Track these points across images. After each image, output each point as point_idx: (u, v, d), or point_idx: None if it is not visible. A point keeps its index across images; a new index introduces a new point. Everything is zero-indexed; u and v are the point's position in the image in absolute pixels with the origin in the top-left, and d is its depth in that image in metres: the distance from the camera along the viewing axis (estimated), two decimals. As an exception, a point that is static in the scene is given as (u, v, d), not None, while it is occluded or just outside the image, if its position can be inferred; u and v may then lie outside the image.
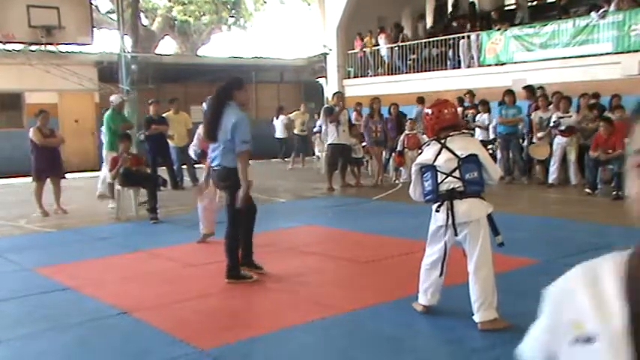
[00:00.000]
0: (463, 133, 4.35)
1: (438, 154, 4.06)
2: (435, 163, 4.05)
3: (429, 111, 4.31)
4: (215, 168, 5.25)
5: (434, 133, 4.21)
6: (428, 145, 4.25)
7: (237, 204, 5.09)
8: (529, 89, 11.82)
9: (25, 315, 4.68)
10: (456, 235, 4.02)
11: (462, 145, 4.08)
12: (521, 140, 11.65)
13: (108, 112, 9.99)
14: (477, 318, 3.98)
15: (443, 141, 4.09)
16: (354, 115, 13.48)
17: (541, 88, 12.07)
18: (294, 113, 16.96)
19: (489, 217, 4.05)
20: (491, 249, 4.07)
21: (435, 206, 4.10)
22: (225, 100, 5.14)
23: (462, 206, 3.99)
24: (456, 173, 4.01)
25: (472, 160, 4.03)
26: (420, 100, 14.40)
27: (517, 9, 15.61)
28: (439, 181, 4.04)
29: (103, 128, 10.15)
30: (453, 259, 5.89)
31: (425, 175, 4.13)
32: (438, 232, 4.18)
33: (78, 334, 4.22)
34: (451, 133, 4.13)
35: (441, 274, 4.20)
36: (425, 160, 4.15)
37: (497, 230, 4.05)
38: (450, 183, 4.02)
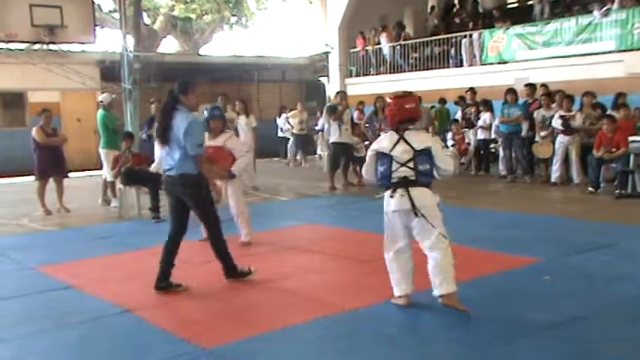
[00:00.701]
0: (420, 129, 4.62)
1: (396, 144, 4.34)
2: (392, 153, 4.33)
3: (391, 102, 4.53)
4: (174, 176, 4.96)
5: (394, 125, 4.44)
6: (386, 133, 4.51)
7: (215, 201, 5.13)
8: (530, 87, 11.78)
9: (27, 313, 4.69)
10: (416, 215, 4.25)
11: (419, 139, 4.36)
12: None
13: (101, 112, 9.97)
14: (437, 292, 4.28)
15: (401, 133, 4.36)
16: (356, 114, 13.49)
17: (544, 85, 12.04)
18: (292, 112, 16.98)
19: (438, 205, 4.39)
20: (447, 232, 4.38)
21: (388, 192, 4.37)
22: (173, 105, 4.94)
23: (414, 193, 4.27)
24: (410, 164, 4.30)
25: (426, 153, 4.33)
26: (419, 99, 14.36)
27: (536, 2, 15.36)
28: (393, 169, 4.33)
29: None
30: (455, 259, 5.88)
31: (381, 160, 4.43)
32: (393, 220, 4.40)
33: (80, 332, 4.22)
34: (410, 127, 4.40)
35: (409, 259, 4.47)
36: (382, 148, 4.41)
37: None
38: (404, 172, 4.30)
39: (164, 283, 5.05)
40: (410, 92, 4.62)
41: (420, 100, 5.09)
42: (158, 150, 7.22)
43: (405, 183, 4.29)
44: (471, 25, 16.81)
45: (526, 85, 11.99)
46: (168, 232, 5.14)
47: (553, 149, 10.63)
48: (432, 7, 19.92)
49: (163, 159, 5.14)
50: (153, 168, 8.27)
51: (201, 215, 5.14)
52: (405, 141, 4.32)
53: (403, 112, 4.42)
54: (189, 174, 4.90)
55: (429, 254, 4.32)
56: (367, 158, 4.62)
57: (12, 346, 4.02)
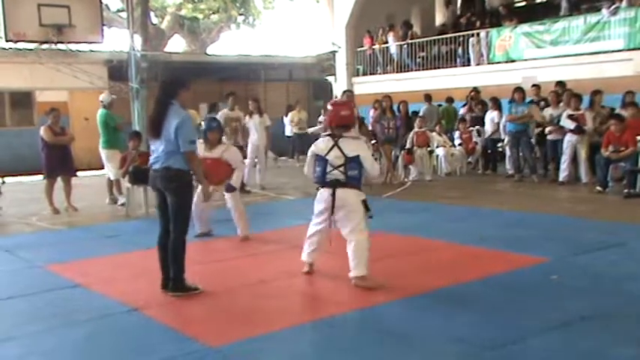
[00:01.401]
0: (355, 137, 5.27)
1: (331, 149, 4.98)
2: (327, 157, 4.98)
3: (330, 107, 5.21)
4: (158, 169, 4.89)
5: (330, 128, 5.11)
6: (324, 137, 5.14)
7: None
8: (536, 87, 11.75)
9: (35, 312, 4.71)
10: (332, 214, 5.02)
11: (351, 148, 4.98)
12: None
13: (101, 111, 9.97)
14: (351, 274, 4.97)
15: (336, 139, 4.99)
16: (371, 112, 13.30)
17: (561, 83, 11.93)
18: (291, 113, 17.04)
19: (363, 201, 5.04)
20: (367, 225, 5.15)
21: (321, 190, 5.09)
22: (171, 98, 4.90)
23: (341, 194, 4.96)
24: (342, 168, 4.96)
25: (356, 159, 4.97)
26: (428, 97, 14.35)
27: None
28: (327, 170, 4.99)
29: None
30: (461, 258, 5.89)
31: (318, 162, 5.06)
32: (322, 210, 5.14)
33: (87, 330, 4.24)
34: (344, 134, 5.01)
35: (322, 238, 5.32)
36: (319, 151, 5.07)
37: (368, 209, 5.07)
38: (335, 175, 4.98)
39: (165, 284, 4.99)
40: (347, 101, 5.46)
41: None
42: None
43: (335, 184, 4.97)
44: (478, 23, 16.75)
45: (533, 86, 11.94)
46: (159, 232, 5.06)
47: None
48: (449, 0, 19.79)
49: (152, 152, 5.05)
50: None
51: (175, 212, 4.88)
52: (339, 148, 4.95)
53: (339, 119, 5.06)
54: (174, 168, 4.82)
55: (348, 239, 5.05)
56: (307, 157, 5.27)
57: (20, 344, 4.04)
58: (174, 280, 4.92)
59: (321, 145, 5.06)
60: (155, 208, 5.20)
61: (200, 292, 4.93)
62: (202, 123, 6.94)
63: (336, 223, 5.10)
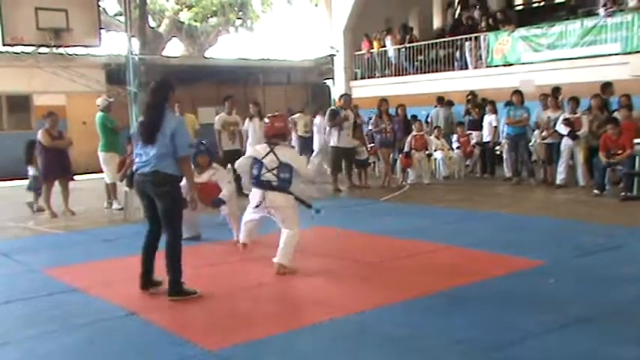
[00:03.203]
0: (289, 146, 6.25)
1: (267, 154, 5.68)
2: (263, 160, 5.66)
3: (267, 121, 6.02)
4: (147, 173, 4.78)
5: (267, 137, 5.87)
6: (262, 145, 5.91)
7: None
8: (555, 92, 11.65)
9: (33, 316, 4.70)
10: (268, 213, 5.77)
11: (284, 155, 5.70)
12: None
13: (99, 114, 9.97)
14: (275, 259, 5.62)
15: (272, 147, 5.71)
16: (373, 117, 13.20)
17: (557, 88, 11.92)
18: (297, 115, 16.99)
19: (298, 199, 5.81)
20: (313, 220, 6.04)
21: (254, 190, 5.77)
22: (164, 101, 4.83)
23: (270, 196, 5.66)
24: (275, 172, 5.64)
25: (287, 165, 5.66)
26: (440, 100, 14.30)
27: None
28: (262, 172, 5.65)
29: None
30: (459, 261, 5.90)
31: (256, 164, 5.71)
32: (256, 207, 5.82)
33: (86, 335, 4.23)
34: (280, 143, 5.78)
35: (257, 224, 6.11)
36: (257, 155, 5.76)
37: (309, 205, 5.92)
38: (269, 177, 5.65)
39: (147, 285, 5.00)
40: (281, 115, 6.32)
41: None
42: None
43: (268, 186, 5.65)
44: (483, 24, 16.73)
45: (554, 90, 11.80)
46: (146, 235, 5.06)
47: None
48: (450, 3, 19.80)
49: (137, 156, 4.95)
50: None
51: (166, 217, 4.84)
52: (274, 154, 5.66)
53: (274, 129, 5.84)
54: (165, 172, 4.75)
55: (282, 228, 5.76)
56: (244, 159, 5.96)
57: (18, 349, 4.03)
58: (172, 284, 4.87)
59: (260, 150, 5.82)
60: (143, 212, 5.14)
61: (198, 296, 4.90)
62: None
63: (272, 215, 5.80)
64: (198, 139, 7.66)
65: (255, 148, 6.03)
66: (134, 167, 5.03)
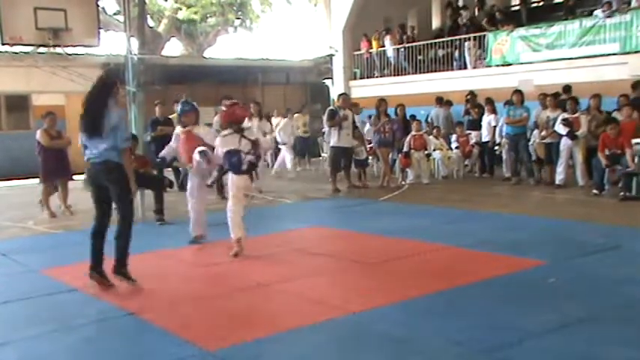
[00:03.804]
0: (247, 128, 6.57)
1: (240, 141, 6.16)
2: (240, 148, 6.16)
3: (226, 109, 6.49)
4: (98, 163, 5.20)
5: (227, 124, 6.33)
6: (226, 136, 6.27)
7: (131, 195, 5.30)
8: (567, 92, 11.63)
9: (31, 316, 4.70)
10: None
11: (251, 134, 6.37)
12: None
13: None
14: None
15: (241, 133, 6.20)
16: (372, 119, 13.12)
17: (567, 87, 11.88)
18: (296, 115, 16.97)
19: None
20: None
21: (241, 177, 6.25)
22: (109, 96, 5.18)
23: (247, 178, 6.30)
24: (252, 152, 6.21)
25: (257, 141, 6.34)
26: (440, 100, 14.31)
27: None
28: (242, 158, 6.14)
29: None
30: (458, 261, 5.89)
31: (230, 155, 6.15)
32: (241, 193, 6.31)
33: (84, 335, 4.22)
34: (243, 126, 6.31)
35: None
36: (232, 146, 6.16)
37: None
38: (249, 158, 6.19)
39: (98, 272, 5.30)
40: (237, 102, 6.64)
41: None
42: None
43: (252, 168, 6.35)
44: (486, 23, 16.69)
45: (565, 89, 11.77)
46: (93, 222, 5.40)
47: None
48: (449, 3, 19.77)
49: (86, 146, 5.29)
50: (163, 154, 7.75)
51: (119, 198, 5.25)
52: (245, 137, 6.20)
53: (234, 115, 6.30)
54: (114, 161, 5.15)
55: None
56: (220, 154, 6.31)
57: (17, 349, 4.02)
58: (118, 263, 5.25)
59: (232, 142, 6.19)
60: (93, 202, 5.46)
61: (136, 284, 5.21)
62: (178, 109, 7.19)
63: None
64: (183, 99, 7.79)
65: (223, 140, 6.30)
66: (85, 158, 5.37)
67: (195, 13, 27.11)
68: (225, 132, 6.33)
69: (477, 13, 17.76)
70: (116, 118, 5.12)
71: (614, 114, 10.31)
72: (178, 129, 7.13)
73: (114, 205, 5.32)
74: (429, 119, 14.33)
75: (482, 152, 12.86)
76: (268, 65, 21.07)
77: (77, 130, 5.47)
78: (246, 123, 6.65)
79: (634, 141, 9.42)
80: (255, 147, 6.26)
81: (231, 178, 6.32)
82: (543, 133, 10.87)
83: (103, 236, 5.36)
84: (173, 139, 7.26)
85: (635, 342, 3.77)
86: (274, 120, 16.62)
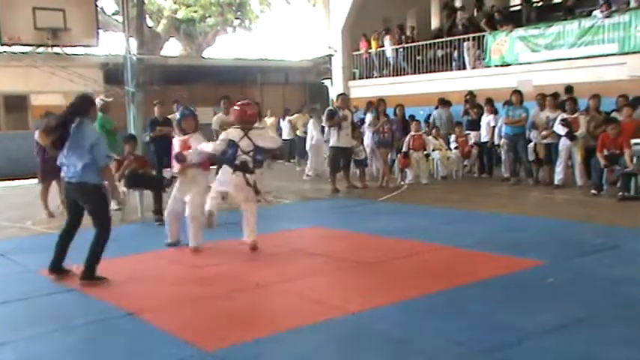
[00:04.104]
0: (258, 128, 6.78)
1: (242, 138, 6.31)
2: (239, 143, 6.29)
3: (237, 108, 6.55)
4: (74, 184, 5.39)
5: (239, 123, 6.44)
6: (232, 129, 6.46)
7: (108, 212, 5.62)
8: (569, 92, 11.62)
9: (31, 316, 4.69)
10: (248, 185, 6.40)
11: (258, 138, 6.38)
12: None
13: (98, 115, 9.89)
14: (245, 239, 6.47)
15: (246, 131, 6.34)
16: (367, 117, 13.13)
17: (569, 87, 11.87)
18: (295, 115, 16.95)
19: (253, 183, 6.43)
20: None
21: (231, 170, 6.34)
22: (81, 115, 5.35)
23: (237, 177, 6.31)
24: (251, 154, 6.33)
25: (262, 148, 6.41)
26: (442, 101, 14.29)
27: None
28: (238, 154, 6.27)
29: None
30: (457, 261, 5.89)
31: (230, 146, 6.30)
32: (224, 190, 6.53)
33: (83, 335, 4.22)
34: (252, 127, 6.42)
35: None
36: (233, 137, 6.33)
37: (258, 191, 6.57)
38: (244, 158, 6.31)
39: (57, 269, 5.60)
40: (249, 102, 6.71)
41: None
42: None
43: (243, 167, 6.30)
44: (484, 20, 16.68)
45: (568, 89, 11.76)
46: (64, 224, 5.70)
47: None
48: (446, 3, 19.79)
49: (63, 165, 5.46)
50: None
51: (97, 216, 5.49)
52: (249, 138, 6.32)
53: (245, 115, 6.41)
54: (89, 183, 5.33)
55: (244, 210, 6.45)
56: (219, 141, 6.46)
57: (16, 349, 4.02)
58: (87, 269, 5.42)
59: (235, 134, 6.36)
60: (66, 205, 5.79)
61: (106, 282, 5.39)
62: (177, 114, 7.11)
63: (229, 195, 6.66)
64: (184, 106, 7.73)
65: (229, 132, 6.46)
66: (62, 174, 5.56)
67: (195, 12, 27.11)
68: (233, 127, 6.53)
69: (475, 13, 17.75)
70: (93, 138, 5.30)
71: (613, 114, 10.32)
72: (177, 138, 6.88)
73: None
74: (431, 119, 14.33)
75: (482, 152, 12.86)
76: (267, 65, 21.07)
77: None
78: (257, 124, 6.78)
79: (633, 141, 9.42)
80: (260, 152, 6.36)
81: (222, 172, 6.45)
82: (544, 133, 10.86)
83: (66, 239, 5.65)
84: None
85: (634, 342, 3.77)
86: (267, 120, 16.67)
